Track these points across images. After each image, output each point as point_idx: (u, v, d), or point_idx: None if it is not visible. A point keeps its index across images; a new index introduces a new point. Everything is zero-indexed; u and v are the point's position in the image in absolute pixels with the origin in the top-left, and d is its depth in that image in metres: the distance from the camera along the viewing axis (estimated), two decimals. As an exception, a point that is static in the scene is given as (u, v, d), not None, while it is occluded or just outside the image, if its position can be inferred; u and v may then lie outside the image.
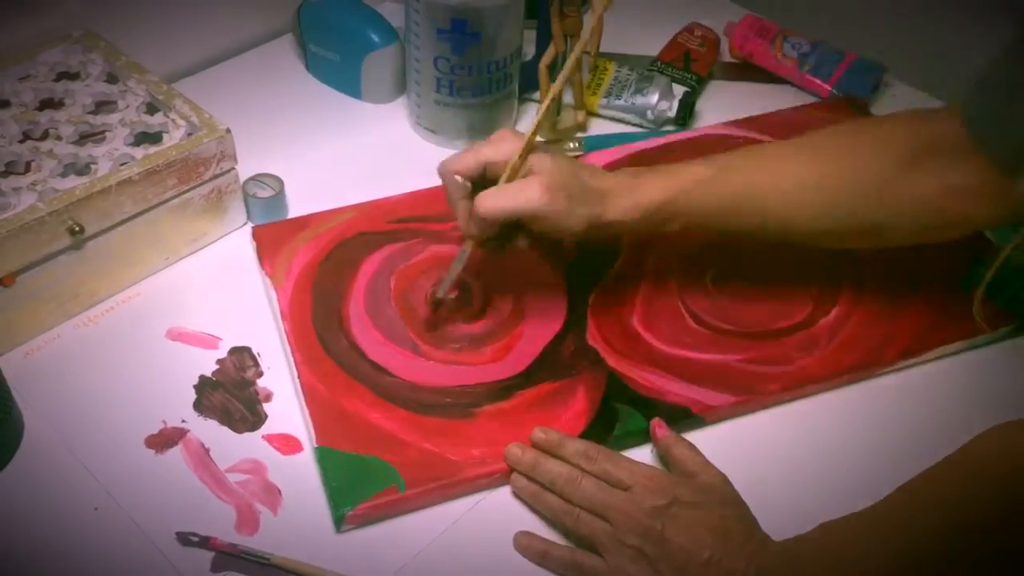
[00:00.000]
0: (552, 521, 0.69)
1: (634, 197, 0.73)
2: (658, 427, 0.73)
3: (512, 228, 0.73)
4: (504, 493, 0.71)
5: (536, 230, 0.72)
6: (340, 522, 0.68)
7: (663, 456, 0.72)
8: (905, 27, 1.16)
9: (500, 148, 0.72)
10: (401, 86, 1.03)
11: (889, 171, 0.73)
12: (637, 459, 0.71)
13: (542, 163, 0.71)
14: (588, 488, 0.68)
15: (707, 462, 0.70)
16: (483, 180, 0.72)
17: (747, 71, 1.12)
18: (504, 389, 0.75)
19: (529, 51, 1.01)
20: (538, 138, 0.72)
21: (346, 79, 1.03)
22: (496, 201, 0.70)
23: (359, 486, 0.69)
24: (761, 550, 0.65)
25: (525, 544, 0.68)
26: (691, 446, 0.72)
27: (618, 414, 0.74)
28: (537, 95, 1.02)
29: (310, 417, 0.73)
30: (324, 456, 0.70)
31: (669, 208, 0.73)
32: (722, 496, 0.68)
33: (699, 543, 0.64)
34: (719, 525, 0.65)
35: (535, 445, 0.71)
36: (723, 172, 0.75)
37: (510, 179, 0.71)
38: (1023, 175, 0.68)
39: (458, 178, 0.72)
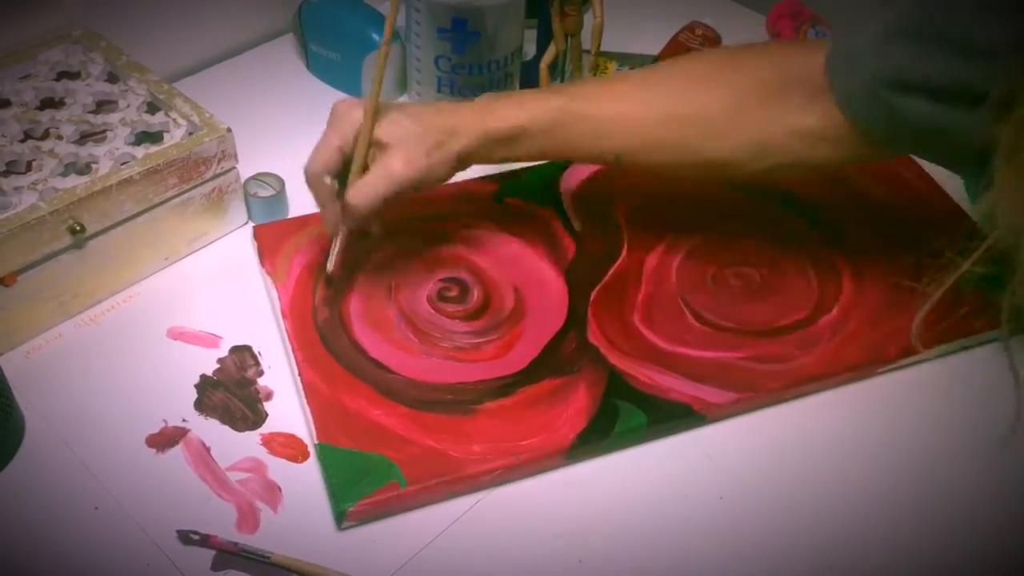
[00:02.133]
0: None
1: (481, 124, 0.73)
2: None
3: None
4: (505, 492, 0.71)
5: (417, 194, 0.73)
6: (341, 518, 0.68)
7: None
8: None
9: (344, 129, 0.71)
10: (402, 85, 1.03)
11: (735, 108, 0.72)
12: (635, 457, 0.71)
13: (391, 131, 0.70)
14: None
15: None
16: (344, 168, 0.72)
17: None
18: (505, 386, 0.75)
19: (530, 50, 1.01)
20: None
21: (347, 78, 1.03)
22: (366, 193, 0.70)
23: (360, 483, 0.68)
24: None
25: None
26: None
27: (619, 411, 0.74)
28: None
29: (311, 414, 0.72)
30: (325, 453, 0.70)
31: (518, 134, 0.73)
32: None
33: None
34: None
35: None
36: (572, 101, 0.75)
37: (364, 156, 0.71)
38: (863, 118, 0.67)
39: (327, 179, 0.72)
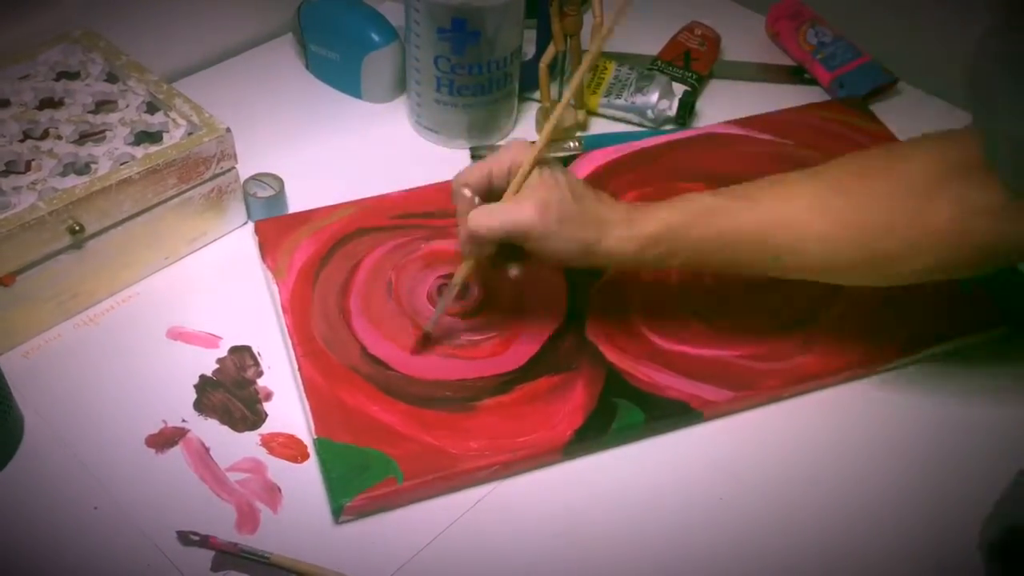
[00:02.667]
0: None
1: (635, 227, 0.70)
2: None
3: (510, 251, 0.71)
4: (504, 492, 0.71)
5: (528, 251, 0.70)
6: (339, 513, 0.68)
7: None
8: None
9: (503, 158, 0.70)
10: (401, 85, 1.04)
11: (903, 201, 0.68)
12: (633, 454, 0.71)
13: (543, 181, 0.69)
14: None
15: None
16: (492, 194, 0.71)
17: (747, 70, 1.12)
18: (504, 383, 0.76)
19: (529, 50, 1.01)
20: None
21: (346, 78, 1.03)
22: (485, 218, 0.69)
23: (358, 477, 0.69)
24: None
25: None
26: None
27: (617, 409, 0.74)
28: (537, 94, 1.02)
29: (310, 409, 0.73)
30: (323, 447, 0.71)
31: (669, 240, 0.70)
32: None
33: None
34: None
35: None
36: (731, 202, 0.71)
37: (514, 193, 0.69)
38: None
39: (466, 191, 0.71)
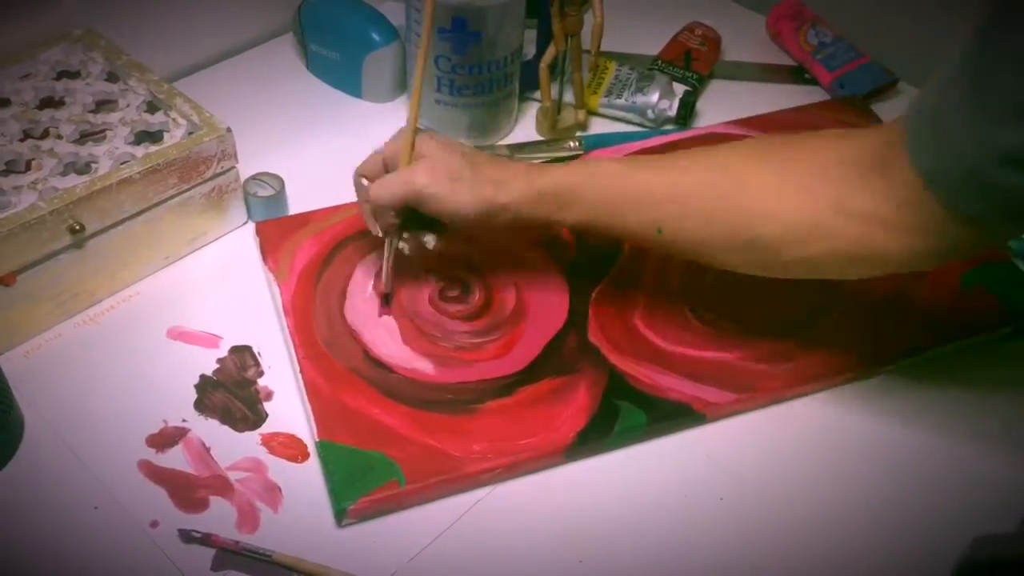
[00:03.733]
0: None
1: (531, 180, 0.74)
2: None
3: (416, 222, 0.76)
4: (505, 492, 0.71)
5: (428, 213, 0.74)
6: (341, 516, 0.68)
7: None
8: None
9: (393, 143, 0.76)
10: (402, 85, 1.03)
11: (786, 182, 0.68)
12: (635, 455, 0.71)
13: (428, 148, 0.74)
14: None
15: None
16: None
17: (747, 70, 1.12)
18: (506, 386, 0.76)
19: (530, 50, 1.01)
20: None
21: (347, 78, 1.03)
22: (383, 187, 0.74)
23: (360, 480, 0.69)
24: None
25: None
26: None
27: (619, 411, 0.74)
28: (538, 94, 1.01)
29: (312, 411, 0.73)
30: (325, 450, 0.71)
31: (565, 194, 0.73)
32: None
33: None
34: None
35: None
36: (629, 169, 0.75)
37: (406, 163, 0.74)
38: (958, 197, 0.59)
39: (364, 181, 0.76)
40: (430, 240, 0.77)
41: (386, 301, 0.81)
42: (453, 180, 0.72)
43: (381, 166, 0.76)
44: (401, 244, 0.78)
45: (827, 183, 0.66)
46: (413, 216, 0.75)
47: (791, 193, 0.67)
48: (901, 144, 0.62)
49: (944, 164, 0.59)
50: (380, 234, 0.77)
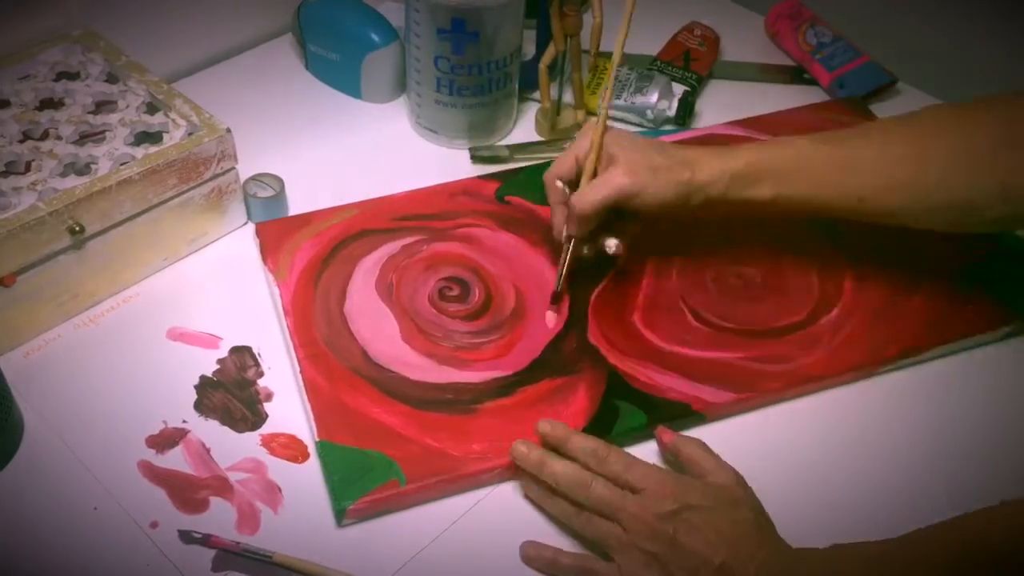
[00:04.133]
0: (561, 523, 0.69)
1: (724, 159, 0.76)
2: (663, 433, 0.72)
3: (603, 228, 0.78)
4: (506, 492, 0.71)
5: (633, 210, 0.76)
6: (341, 516, 0.68)
7: (673, 459, 0.71)
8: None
9: (582, 144, 0.78)
10: (401, 85, 1.04)
11: (983, 147, 0.72)
12: (639, 457, 0.71)
13: (620, 148, 0.76)
14: (598, 491, 0.66)
15: (719, 461, 0.69)
16: (578, 180, 0.78)
17: (747, 70, 1.12)
18: (506, 386, 0.76)
19: (529, 51, 1.02)
20: (611, 122, 0.77)
21: (346, 79, 1.03)
22: (588, 196, 0.75)
23: (360, 480, 0.69)
24: (772, 557, 0.64)
25: (533, 555, 0.67)
26: (701, 445, 0.70)
27: (619, 411, 0.74)
28: (537, 94, 1.02)
29: (312, 412, 0.73)
30: (326, 450, 0.71)
31: (759, 169, 0.75)
32: (733, 497, 0.66)
33: (711, 548, 0.63)
34: (732, 530, 0.64)
35: (542, 438, 0.70)
36: (819, 143, 0.77)
37: (593, 166, 0.77)
38: None
39: (559, 183, 0.79)
40: (611, 244, 0.78)
41: (556, 300, 0.81)
42: (653, 171, 0.74)
43: (574, 165, 0.78)
44: (585, 250, 0.80)
45: (995, 166, 0.71)
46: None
47: (995, 154, 0.72)
48: None
49: None
50: (565, 238, 0.78)
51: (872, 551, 0.62)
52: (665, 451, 0.72)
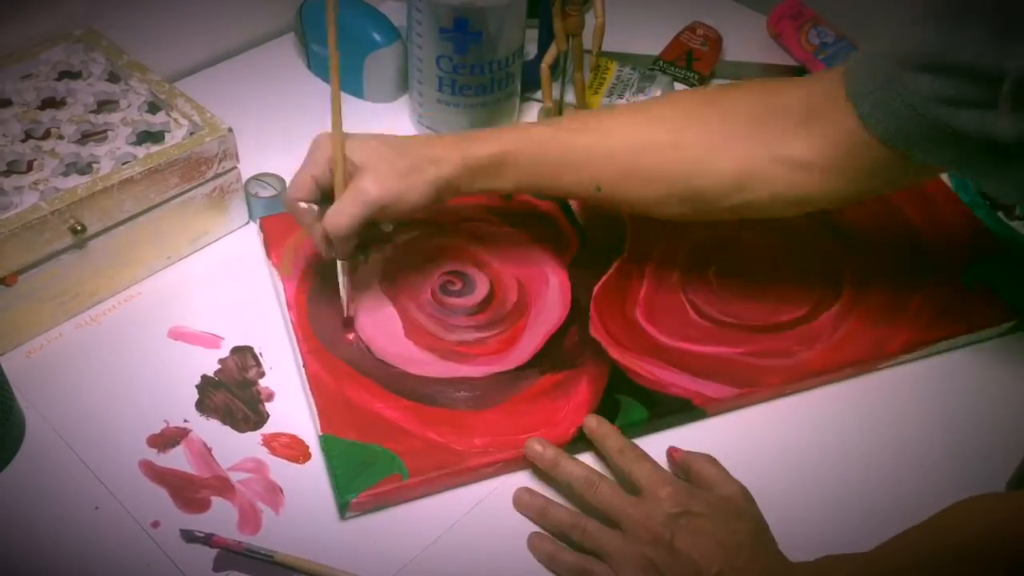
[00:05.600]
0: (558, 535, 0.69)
1: (465, 151, 0.74)
2: (674, 452, 0.72)
3: (368, 233, 0.74)
4: (506, 493, 0.71)
5: (387, 220, 0.74)
6: (344, 509, 0.68)
7: (684, 473, 0.71)
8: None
9: (318, 159, 0.72)
10: (403, 85, 1.03)
11: (719, 135, 0.72)
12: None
13: (366, 156, 0.72)
14: (604, 493, 0.67)
15: (727, 475, 0.69)
16: (325, 195, 0.73)
17: (749, 70, 1.12)
18: (507, 380, 0.76)
19: (531, 50, 1.01)
20: (349, 130, 0.73)
21: (348, 78, 1.03)
22: (339, 216, 0.70)
23: (363, 474, 0.69)
24: (769, 571, 0.64)
25: (535, 545, 0.68)
26: (711, 459, 0.70)
27: (620, 405, 0.74)
28: (539, 94, 1.01)
29: (316, 405, 0.73)
30: (329, 444, 0.71)
31: (500, 162, 0.74)
32: (737, 509, 0.66)
33: (708, 557, 0.63)
34: (730, 540, 0.64)
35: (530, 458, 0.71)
36: (560, 132, 0.76)
37: (341, 182, 0.71)
38: (879, 119, 0.64)
39: (303, 204, 0.72)
40: (380, 248, 0.78)
41: (349, 325, 0.79)
42: (401, 177, 0.71)
43: (313, 185, 0.72)
44: (360, 257, 0.77)
45: (763, 133, 0.71)
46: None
47: (728, 145, 0.71)
48: (839, 91, 0.66)
49: (867, 85, 0.64)
50: (335, 257, 0.75)
51: (859, 561, 0.62)
52: (676, 468, 0.72)
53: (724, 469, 0.69)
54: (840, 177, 0.69)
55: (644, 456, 0.70)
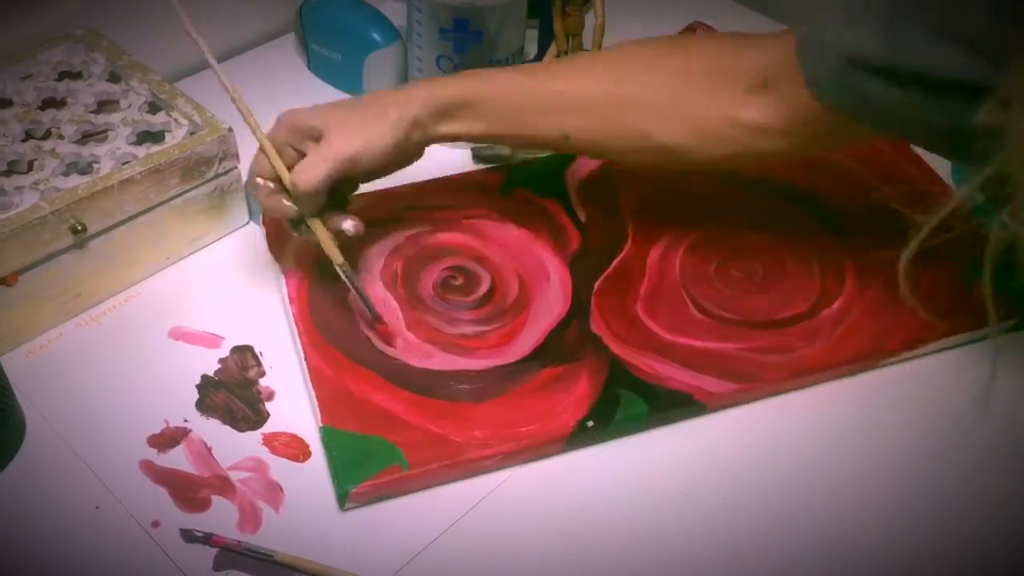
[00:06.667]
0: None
1: (432, 89, 0.74)
2: None
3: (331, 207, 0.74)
4: (508, 492, 0.71)
5: (359, 175, 0.74)
6: (344, 500, 0.68)
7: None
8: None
9: (276, 139, 0.74)
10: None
11: (677, 92, 0.73)
12: (635, 445, 0.71)
13: (324, 119, 0.72)
14: None
15: None
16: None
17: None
18: (508, 373, 0.76)
19: (531, 50, 1.02)
20: None
21: (348, 78, 1.03)
22: (308, 174, 0.70)
23: (363, 465, 0.69)
24: None
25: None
26: None
27: (620, 400, 0.74)
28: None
29: (316, 398, 0.73)
30: (329, 435, 0.71)
31: (467, 102, 0.74)
32: None
33: None
34: None
35: None
36: (522, 75, 0.77)
37: (281, 163, 0.72)
38: (829, 96, 0.66)
39: (260, 180, 0.73)
40: (348, 226, 0.75)
41: (379, 321, 0.78)
42: (364, 124, 0.71)
43: (265, 162, 0.73)
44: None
45: (716, 97, 0.71)
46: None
47: (686, 103, 0.73)
48: (792, 61, 0.67)
49: (818, 65, 0.66)
50: (311, 216, 0.74)
51: None
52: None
53: None
54: (798, 137, 0.70)
55: None
